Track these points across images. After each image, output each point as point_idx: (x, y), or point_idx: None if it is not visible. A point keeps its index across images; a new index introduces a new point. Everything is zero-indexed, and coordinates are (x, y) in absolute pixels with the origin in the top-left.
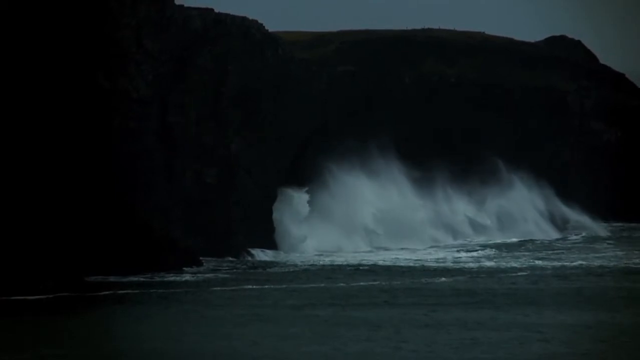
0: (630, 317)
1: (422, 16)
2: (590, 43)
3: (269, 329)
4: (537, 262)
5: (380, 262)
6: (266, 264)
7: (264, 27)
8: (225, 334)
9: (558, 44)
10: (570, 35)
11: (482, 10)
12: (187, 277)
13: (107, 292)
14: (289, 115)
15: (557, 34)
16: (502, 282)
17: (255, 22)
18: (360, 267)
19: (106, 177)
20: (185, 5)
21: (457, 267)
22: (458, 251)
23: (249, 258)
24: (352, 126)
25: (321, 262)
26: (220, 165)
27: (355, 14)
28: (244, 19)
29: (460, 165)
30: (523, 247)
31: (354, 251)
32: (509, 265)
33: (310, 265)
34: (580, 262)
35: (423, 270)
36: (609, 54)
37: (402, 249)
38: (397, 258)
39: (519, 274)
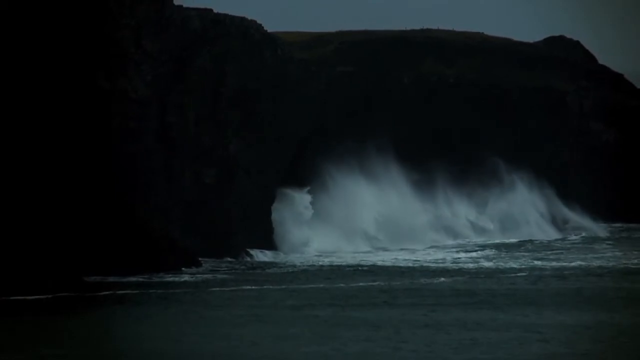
0: (630, 317)
1: (421, 16)
2: (589, 43)
3: (269, 330)
4: (536, 262)
5: (380, 263)
6: (265, 265)
7: (262, 27)
8: (225, 334)
9: (557, 44)
10: (569, 36)
11: (481, 11)
12: (186, 277)
13: (106, 293)
14: (288, 116)
15: (556, 34)
16: (502, 283)
17: (254, 22)
18: (360, 268)
19: (105, 178)
20: (184, 5)
21: (457, 267)
22: (457, 252)
23: (248, 259)
24: (351, 126)
25: (320, 263)
26: (219, 166)
27: (354, 15)
28: (242, 19)
29: (459, 165)
30: (522, 248)
31: (354, 252)
32: (508, 265)
33: (310, 265)
34: (579, 262)
35: (422, 271)
36: (607, 54)
37: (401, 249)
38: (397, 259)
39: (518, 274)
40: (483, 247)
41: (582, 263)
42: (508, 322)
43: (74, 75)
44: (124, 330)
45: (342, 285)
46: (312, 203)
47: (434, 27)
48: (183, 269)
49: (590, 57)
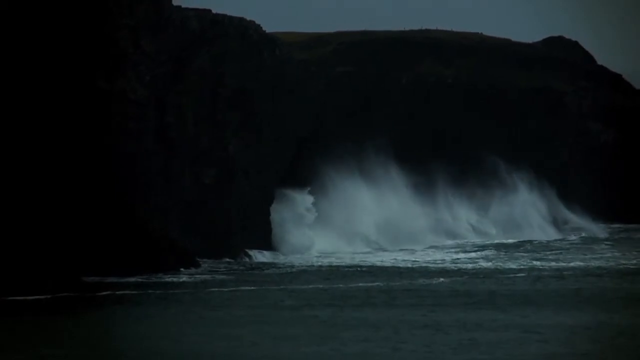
0: (629, 317)
1: (419, 17)
2: (588, 44)
3: (268, 330)
4: (535, 262)
5: (379, 263)
6: (264, 265)
7: (261, 27)
8: (224, 334)
9: (555, 44)
10: (567, 36)
11: (480, 11)
12: (185, 278)
13: (105, 293)
14: (287, 116)
15: (555, 34)
16: (501, 283)
17: (252, 22)
18: (359, 269)
19: (104, 178)
20: (183, 6)
21: (456, 268)
22: (456, 252)
23: (247, 259)
24: (350, 127)
25: (319, 263)
26: (218, 166)
27: (352, 15)
28: (241, 19)
29: (459, 166)
30: (521, 248)
31: (353, 252)
32: (507, 266)
33: (309, 266)
34: (578, 263)
35: (421, 271)
36: (606, 55)
37: (400, 249)
38: (396, 259)
39: (518, 274)
40: (482, 247)
41: (581, 263)
42: (507, 322)
43: (72, 76)
44: (124, 330)
45: (341, 285)
46: (314, 204)
47: (433, 27)
48: (182, 269)
49: (589, 58)
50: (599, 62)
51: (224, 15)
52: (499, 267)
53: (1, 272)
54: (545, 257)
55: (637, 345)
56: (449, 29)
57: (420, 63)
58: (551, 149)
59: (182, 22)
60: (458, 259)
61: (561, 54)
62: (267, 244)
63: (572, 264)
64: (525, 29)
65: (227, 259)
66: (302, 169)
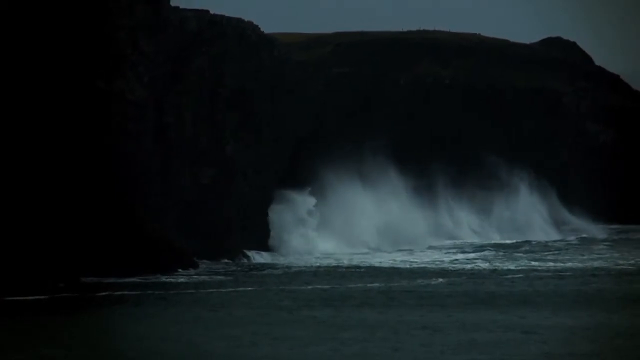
0: (627, 318)
1: (417, 18)
2: (586, 44)
3: (267, 330)
4: (534, 263)
5: (377, 264)
6: (262, 266)
7: (259, 28)
8: (224, 335)
9: (554, 45)
10: (565, 37)
11: (478, 12)
12: (183, 278)
13: (104, 293)
14: (286, 117)
15: (553, 35)
16: (499, 284)
17: (250, 23)
18: (357, 269)
19: (103, 178)
20: (181, 6)
21: (454, 268)
22: (455, 253)
23: (245, 260)
24: (349, 127)
25: (318, 264)
26: (217, 167)
27: (350, 16)
28: (239, 20)
29: (458, 167)
30: (520, 249)
31: (351, 253)
32: (505, 266)
33: (307, 267)
34: (577, 263)
35: (420, 272)
36: (604, 55)
37: (399, 250)
38: (394, 260)
39: (516, 275)
40: (480, 247)
41: (580, 264)
42: (506, 323)
43: (71, 76)
44: (124, 330)
45: (339, 286)
46: (315, 206)
47: (431, 28)
48: (180, 270)
49: (587, 58)
50: (597, 63)
51: (222, 16)
52: (497, 268)
53: (0, 273)
54: (543, 258)
55: (635, 345)
56: (447, 29)
57: (419, 64)
58: (550, 149)
59: (180, 23)
60: (456, 259)
61: (559, 54)
62: (266, 245)
63: (570, 265)
64: (523, 29)
65: (226, 260)
66: (301, 170)
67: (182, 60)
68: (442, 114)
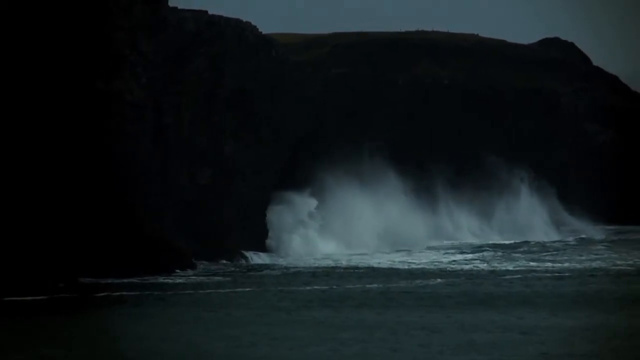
0: (626, 318)
1: (415, 18)
2: (584, 45)
3: (266, 331)
4: (532, 264)
5: (376, 265)
6: (261, 267)
7: (257, 29)
8: (223, 335)
9: (552, 46)
10: (563, 38)
11: (476, 13)
12: (181, 279)
13: (103, 294)
14: (284, 117)
15: (551, 36)
16: (498, 284)
17: (249, 24)
18: (356, 270)
19: (101, 179)
20: (179, 7)
21: (453, 269)
22: (453, 253)
23: (243, 261)
24: (347, 128)
25: (316, 265)
26: (215, 167)
27: (348, 16)
28: (237, 21)
29: (458, 167)
30: (518, 249)
31: (350, 254)
32: (504, 267)
33: (305, 267)
34: (575, 264)
35: (418, 273)
36: (602, 56)
37: (397, 250)
38: (393, 261)
39: (515, 276)
40: (479, 248)
41: (578, 265)
42: (504, 323)
43: (69, 77)
44: (124, 331)
45: (338, 287)
46: (317, 209)
47: (429, 28)
48: (178, 270)
49: (585, 59)
50: (595, 64)
51: (221, 17)
52: (496, 268)
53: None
54: (542, 259)
55: (634, 346)
56: (445, 30)
57: (417, 64)
58: (549, 149)
59: (178, 23)
60: (455, 260)
61: (557, 55)
62: (264, 245)
63: (568, 265)
64: (521, 30)
65: (224, 261)
66: (300, 170)
67: (180, 61)
68: (441, 114)
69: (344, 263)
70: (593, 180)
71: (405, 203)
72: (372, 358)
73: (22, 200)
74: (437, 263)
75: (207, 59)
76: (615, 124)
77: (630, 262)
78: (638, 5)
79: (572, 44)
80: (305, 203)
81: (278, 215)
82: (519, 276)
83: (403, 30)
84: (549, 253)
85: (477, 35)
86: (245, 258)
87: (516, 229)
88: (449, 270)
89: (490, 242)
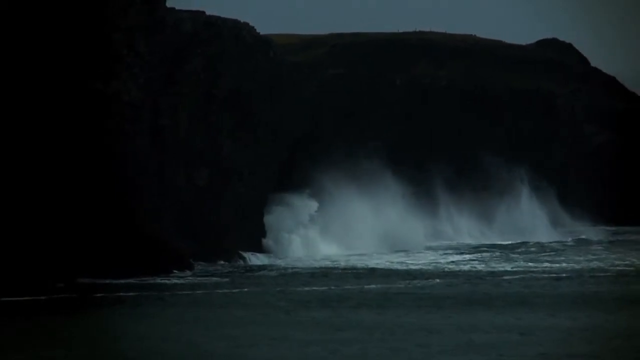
0: (625, 319)
1: (413, 19)
2: (584, 45)
3: (265, 331)
4: (530, 264)
5: (374, 265)
6: (259, 268)
7: (255, 29)
8: (223, 335)
9: (549, 46)
10: (562, 38)
11: (474, 14)
12: (179, 280)
13: (101, 294)
14: (281, 118)
15: (549, 36)
16: (496, 285)
17: (246, 24)
18: (354, 270)
19: (99, 180)
20: (176, 8)
21: (451, 269)
22: (452, 254)
23: (241, 262)
24: (345, 128)
25: (314, 265)
26: (212, 168)
27: (346, 17)
28: (235, 21)
29: (457, 168)
30: (517, 250)
31: (348, 254)
32: (502, 267)
33: (303, 268)
34: (573, 264)
35: (417, 273)
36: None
37: (395, 251)
38: (391, 261)
39: (513, 276)
40: (477, 248)
41: (576, 265)
42: (503, 324)
43: (67, 78)
44: (124, 331)
45: (336, 287)
46: (317, 211)
47: (427, 29)
48: (175, 271)
49: (583, 60)
50: (593, 64)
51: (218, 17)
52: (494, 269)
53: None
54: (540, 259)
55: (633, 346)
56: (442, 31)
57: (414, 65)
58: (546, 150)
59: (176, 24)
60: (453, 261)
61: (555, 56)
62: (262, 246)
63: (567, 266)
64: (518, 31)
65: (222, 261)
66: (298, 171)
67: (178, 61)
68: (438, 114)
69: (343, 264)
70: (592, 180)
71: (404, 207)
72: (371, 358)
73: (21, 200)
74: (435, 263)
75: (205, 59)
76: (612, 125)
77: (628, 263)
78: (638, 5)
79: (569, 45)
80: (306, 205)
81: (277, 217)
82: (517, 277)
83: (400, 31)
84: (547, 254)
85: (475, 36)
86: (243, 259)
87: (516, 231)
88: (448, 271)
89: (489, 242)
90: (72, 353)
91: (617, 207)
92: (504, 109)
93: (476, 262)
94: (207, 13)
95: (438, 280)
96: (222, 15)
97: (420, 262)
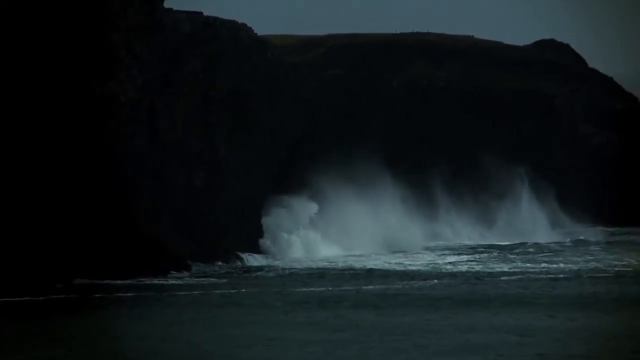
0: (623, 319)
1: (411, 20)
2: (583, 46)
3: (263, 332)
4: (528, 265)
5: (372, 266)
6: (256, 268)
7: (252, 30)
8: (222, 335)
9: (547, 47)
10: (562, 39)
11: (472, 14)
12: (177, 281)
13: (100, 295)
14: (279, 119)
15: (546, 37)
16: (494, 285)
17: (244, 25)
18: (352, 271)
19: (97, 181)
20: (174, 8)
21: (449, 270)
22: (450, 255)
23: (239, 262)
24: (344, 129)
25: (312, 266)
26: (210, 168)
27: (344, 18)
28: (233, 22)
29: (456, 170)
30: (515, 250)
31: (346, 255)
32: (500, 268)
33: (301, 269)
34: (571, 265)
35: (415, 274)
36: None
37: (393, 252)
38: (389, 262)
39: (511, 277)
40: (475, 249)
41: (574, 266)
42: (501, 324)
43: (65, 79)
44: (124, 331)
45: (334, 288)
46: (317, 213)
47: (424, 30)
48: (173, 272)
49: (581, 61)
50: (591, 65)
51: (216, 18)
52: (492, 270)
53: None
54: (538, 260)
55: (631, 347)
56: (440, 31)
57: (412, 65)
58: (544, 151)
59: (173, 25)
60: (451, 262)
61: (553, 56)
62: (259, 247)
63: (565, 267)
64: (516, 31)
65: (219, 262)
66: (296, 172)
67: (176, 62)
68: (436, 115)
69: (340, 265)
70: (591, 181)
71: (403, 211)
72: (369, 359)
73: (20, 201)
74: (433, 264)
75: (203, 60)
76: (611, 125)
77: (626, 263)
78: (636, 5)
79: (567, 46)
80: (306, 207)
81: (276, 218)
82: (515, 277)
83: (398, 31)
84: (545, 254)
85: (473, 36)
86: (241, 260)
87: (516, 233)
88: (445, 272)
89: (487, 243)
90: (72, 353)
91: (617, 207)
92: (503, 109)
93: (474, 262)
94: (205, 14)
95: (436, 281)
96: (220, 16)
97: (418, 263)
